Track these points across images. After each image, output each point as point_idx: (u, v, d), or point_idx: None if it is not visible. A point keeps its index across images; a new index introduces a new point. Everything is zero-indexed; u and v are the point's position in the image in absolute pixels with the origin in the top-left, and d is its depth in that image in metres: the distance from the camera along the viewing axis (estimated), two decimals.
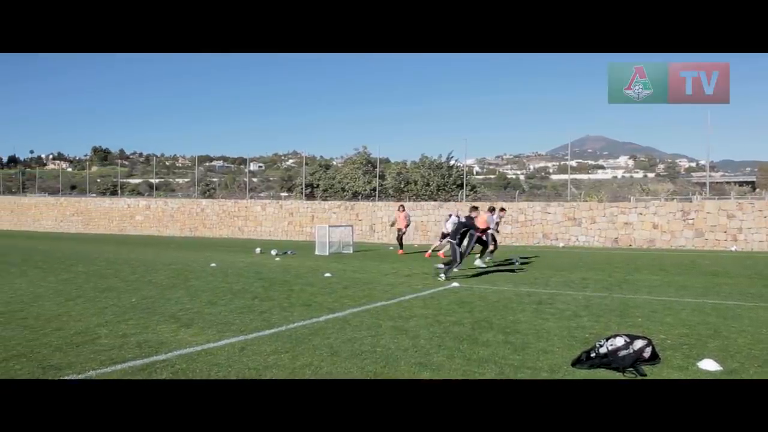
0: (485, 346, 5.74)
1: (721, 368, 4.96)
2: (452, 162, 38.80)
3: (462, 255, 12.11)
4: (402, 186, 36.65)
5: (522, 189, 72.66)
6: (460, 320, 7.09)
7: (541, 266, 14.26)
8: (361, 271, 13.15)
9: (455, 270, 12.07)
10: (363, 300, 8.72)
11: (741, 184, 60.37)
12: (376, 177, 35.26)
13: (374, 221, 28.32)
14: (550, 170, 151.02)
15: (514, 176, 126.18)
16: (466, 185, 33.25)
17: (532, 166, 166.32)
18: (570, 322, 7.03)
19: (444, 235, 17.36)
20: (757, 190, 49.30)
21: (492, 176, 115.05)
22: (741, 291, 9.95)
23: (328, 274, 12.06)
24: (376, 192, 33.86)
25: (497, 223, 15.76)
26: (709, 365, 5.02)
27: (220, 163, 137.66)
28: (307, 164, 40.60)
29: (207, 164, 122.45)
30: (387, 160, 43.43)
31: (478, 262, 13.71)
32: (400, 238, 19.49)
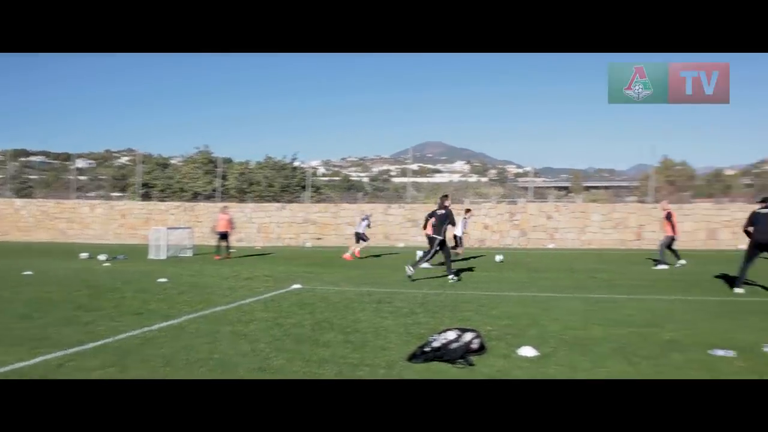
0: (326, 346, 5.78)
1: (538, 353, 5.47)
2: (296, 163, 38.64)
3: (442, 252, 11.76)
4: (245, 187, 35.76)
5: (365, 191, 74.45)
6: (301, 322, 7.08)
7: (382, 266, 14.73)
8: (199, 275, 12.62)
9: (425, 265, 12.09)
10: (200, 305, 8.37)
11: (558, 188, 67.20)
12: (217, 177, 34.05)
13: (216, 223, 27.32)
14: (393, 173, 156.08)
15: (357, 178, 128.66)
16: (311, 186, 33.30)
17: (375, 169, 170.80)
18: (407, 319, 7.33)
19: (359, 237, 17.71)
20: (571, 194, 55.19)
21: (337, 178, 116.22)
22: (556, 284, 11.08)
23: (163, 279, 11.40)
24: (218, 193, 32.71)
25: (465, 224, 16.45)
26: (527, 351, 5.52)
27: (41, 158, 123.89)
28: (143, 162, 38.07)
29: (24, 159, 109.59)
30: (230, 160, 42.01)
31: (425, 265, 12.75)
32: (221, 242, 17.73)
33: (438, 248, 11.64)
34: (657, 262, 14.32)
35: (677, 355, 5.50)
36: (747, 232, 10.35)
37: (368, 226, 18.14)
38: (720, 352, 5.51)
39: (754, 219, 10.16)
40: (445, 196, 12.33)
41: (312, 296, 9.31)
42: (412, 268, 11.49)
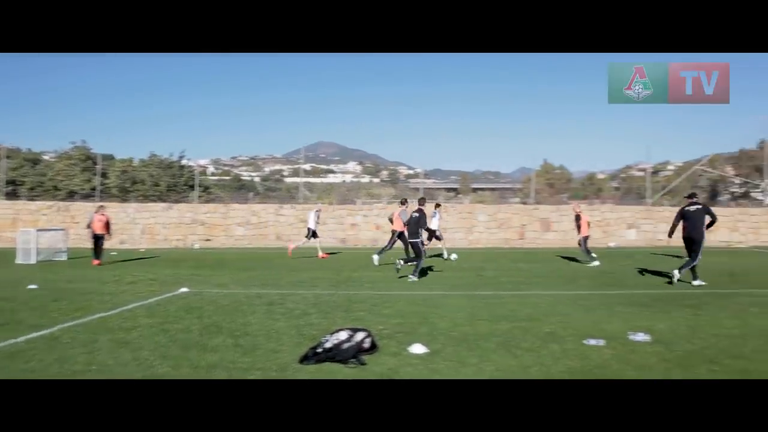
0: (214, 351, 5.60)
1: (428, 350, 5.63)
2: (184, 161, 37.10)
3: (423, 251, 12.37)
4: (128, 186, 33.78)
5: (257, 191, 72.93)
6: (188, 327, 6.80)
7: (275, 267, 14.49)
8: (76, 281, 11.76)
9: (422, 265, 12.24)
10: (77, 313, 7.79)
11: (448, 189, 69.60)
12: (96, 175, 31.89)
13: (90, 224, 25.57)
14: (285, 173, 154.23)
15: (249, 178, 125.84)
16: (199, 186, 32.09)
17: (267, 169, 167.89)
18: (299, 320, 7.27)
19: (312, 233, 17.78)
20: (459, 195, 57.31)
21: (227, 177, 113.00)
22: (444, 282, 11.45)
23: (33, 286, 10.51)
24: (97, 192, 30.65)
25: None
26: (417, 349, 5.66)
27: None
28: (8, 157, 34.82)
29: None
30: (111, 157, 39.48)
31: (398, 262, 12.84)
32: (96, 245, 16.09)
33: (404, 243, 13.13)
34: (589, 259, 15.29)
35: (555, 345, 5.88)
36: (672, 229, 11.55)
37: (317, 221, 18.32)
38: (592, 342, 5.97)
39: (683, 215, 11.39)
40: (423, 199, 13.08)
41: (200, 300, 8.97)
42: (401, 262, 12.08)
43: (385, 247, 16.00)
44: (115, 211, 23.42)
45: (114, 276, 12.52)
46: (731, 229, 25.45)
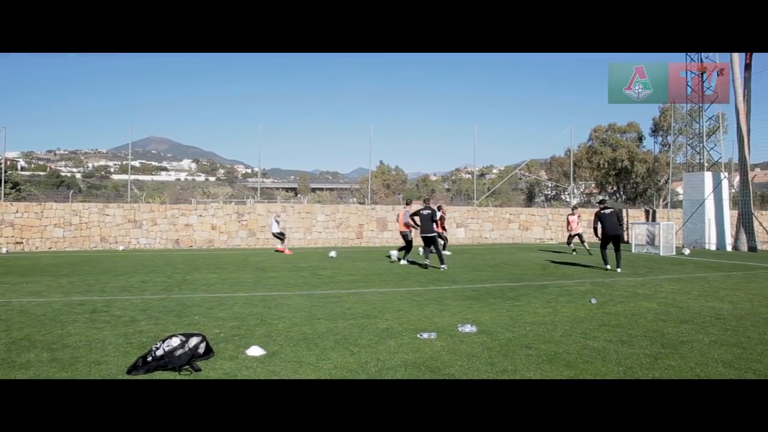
0: (25, 368, 5.01)
1: (265, 352, 5.56)
2: None
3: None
4: None
5: (79, 188, 66.66)
6: None
7: (98, 272, 13.34)
8: None
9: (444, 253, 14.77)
10: None
11: (287, 189, 69.27)
12: None
13: None
14: (112, 170, 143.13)
15: (69, 174, 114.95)
16: (7, 182, 28.55)
17: (90, 164, 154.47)
18: (127, 328, 6.78)
19: (280, 235, 20.14)
20: (299, 195, 57.29)
21: (42, 173, 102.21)
22: (284, 282, 11.36)
23: None
24: None
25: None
26: (255, 351, 5.56)
27: None
28: None
29: None
30: None
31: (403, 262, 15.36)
32: None
33: (426, 243, 14.24)
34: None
35: (391, 341, 6.11)
36: (596, 229, 13.78)
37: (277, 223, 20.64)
38: (425, 335, 6.31)
39: (600, 218, 13.59)
40: (428, 199, 15.02)
41: (8, 311, 7.96)
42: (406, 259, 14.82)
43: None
44: None
45: None
46: (544, 227, 28.26)
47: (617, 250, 13.69)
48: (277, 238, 20.49)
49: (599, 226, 13.80)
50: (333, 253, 17.70)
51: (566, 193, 44.07)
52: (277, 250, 20.50)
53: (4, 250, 21.18)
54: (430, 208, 14.01)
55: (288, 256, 18.17)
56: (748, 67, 24.69)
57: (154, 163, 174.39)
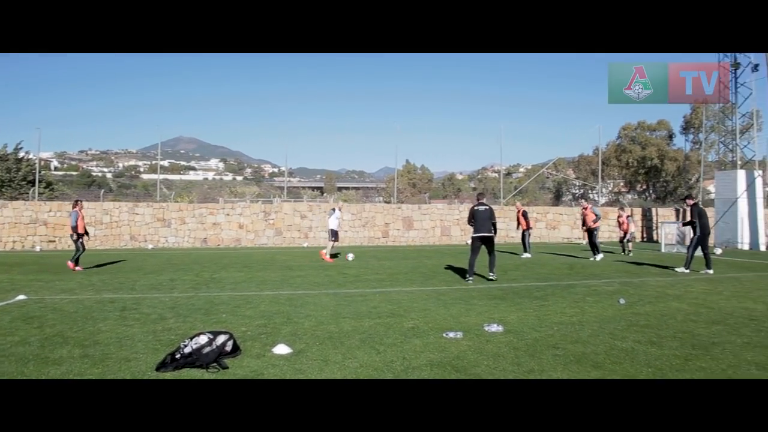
0: (57, 364, 5.12)
1: (292, 351, 5.59)
2: (22, 154, 33.68)
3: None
4: None
5: (109, 188, 68.01)
6: (26, 339, 6.15)
7: (128, 270, 13.60)
8: None
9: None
10: None
11: (313, 188, 69.68)
12: None
13: None
14: (141, 169, 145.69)
15: (100, 174, 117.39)
16: (41, 181, 29.24)
17: (121, 164, 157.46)
18: (156, 325, 6.89)
19: (334, 234, 16.80)
20: (325, 194, 57.58)
21: (74, 173, 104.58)
22: (310, 281, 11.43)
23: None
24: None
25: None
26: (281, 349, 5.60)
27: None
28: None
29: None
30: None
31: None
32: None
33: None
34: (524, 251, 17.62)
35: (417, 340, 6.10)
36: (471, 224, 11.87)
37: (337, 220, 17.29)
38: (451, 335, 6.28)
39: (473, 214, 11.69)
40: (482, 193, 12.51)
41: (41, 308, 8.16)
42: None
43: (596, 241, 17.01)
44: None
45: None
46: (571, 226, 27.93)
47: (489, 252, 11.77)
48: (331, 238, 17.21)
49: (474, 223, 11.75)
50: (350, 256, 17.42)
51: (594, 191, 43.49)
52: (324, 254, 17.33)
53: (38, 248, 21.72)
54: (485, 203, 11.84)
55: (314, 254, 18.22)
56: None
57: (182, 163, 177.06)
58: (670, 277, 12.21)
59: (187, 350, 5.16)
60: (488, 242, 11.60)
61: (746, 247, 23.18)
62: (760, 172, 25.09)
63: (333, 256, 17.33)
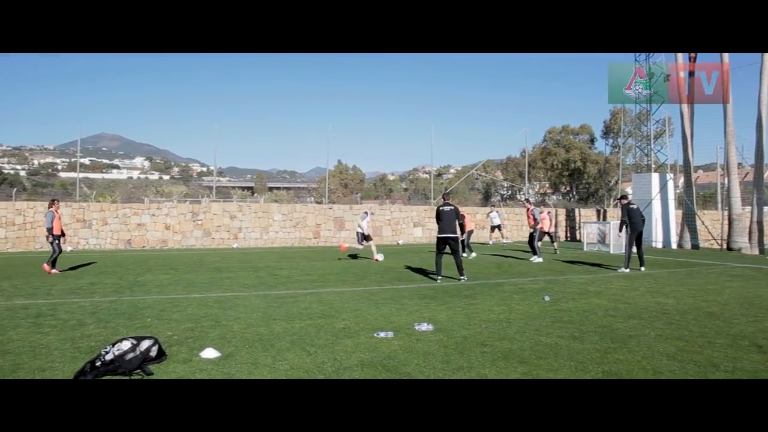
0: None
1: (220, 354, 5.46)
2: None
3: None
4: None
5: (23, 186, 64.21)
6: None
7: (44, 273, 12.87)
8: None
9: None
10: None
11: (243, 188, 68.38)
12: None
13: None
14: (59, 167, 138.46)
15: (12, 171, 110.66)
16: None
17: (36, 162, 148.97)
18: (74, 332, 6.55)
19: (364, 237, 16.92)
20: (255, 194, 56.64)
21: None
22: (239, 283, 11.20)
23: None
24: None
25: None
26: (209, 353, 5.46)
27: None
28: None
29: None
30: None
31: None
32: None
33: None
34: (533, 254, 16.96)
35: (348, 341, 6.10)
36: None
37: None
38: (382, 334, 6.32)
39: (438, 214, 11.89)
40: (448, 194, 12.80)
41: None
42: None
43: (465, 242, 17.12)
44: None
45: None
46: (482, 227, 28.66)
47: (453, 252, 11.88)
48: (362, 241, 17.09)
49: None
50: (380, 256, 16.92)
51: (521, 193, 44.88)
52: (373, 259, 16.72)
53: (68, 248, 20.24)
54: (450, 204, 11.91)
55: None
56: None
57: (105, 161, 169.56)
58: (591, 275, 12.76)
59: (108, 357, 4.94)
60: (452, 242, 11.68)
61: (660, 245, 24.55)
62: (672, 175, 26.69)
63: (352, 256, 17.98)
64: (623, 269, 13.66)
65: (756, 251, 23.23)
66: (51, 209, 13.57)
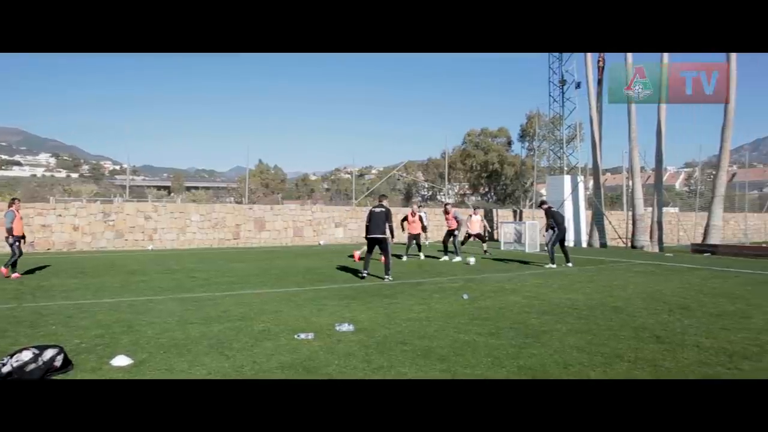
0: None
1: (132, 361, 5.23)
2: None
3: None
4: None
5: None
6: None
7: None
8: None
9: None
10: None
11: (159, 188, 65.84)
12: None
13: None
14: None
15: None
16: None
17: None
18: None
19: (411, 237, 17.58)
20: (172, 194, 54.72)
21: None
22: (154, 286, 10.77)
23: None
24: None
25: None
26: (120, 361, 5.22)
27: None
28: None
29: None
30: None
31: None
32: None
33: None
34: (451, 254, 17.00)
35: (268, 343, 6.00)
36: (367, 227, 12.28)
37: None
38: (303, 336, 6.26)
39: (370, 216, 12.15)
40: (384, 195, 12.86)
41: None
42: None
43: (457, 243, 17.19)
44: None
45: None
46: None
47: (382, 252, 12.17)
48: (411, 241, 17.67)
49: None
50: (405, 257, 16.99)
51: (441, 193, 45.80)
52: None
53: None
54: (383, 206, 12.23)
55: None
56: (600, 81, 27.14)
57: (4, 157, 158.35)
58: (508, 273, 13.20)
59: (5, 369, 4.62)
60: (380, 243, 11.95)
61: (571, 244, 25.75)
62: (582, 177, 28.10)
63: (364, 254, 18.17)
64: (551, 266, 14.40)
65: (656, 249, 24.90)
66: (11, 209, 12.74)
